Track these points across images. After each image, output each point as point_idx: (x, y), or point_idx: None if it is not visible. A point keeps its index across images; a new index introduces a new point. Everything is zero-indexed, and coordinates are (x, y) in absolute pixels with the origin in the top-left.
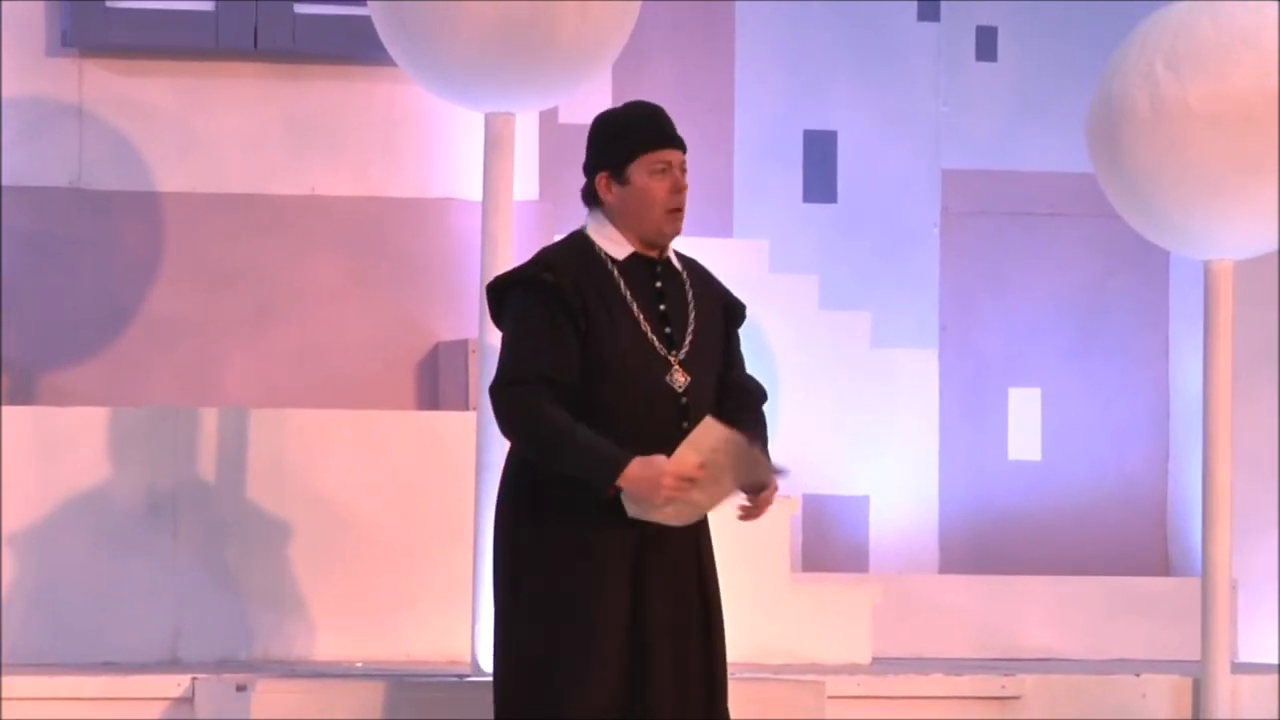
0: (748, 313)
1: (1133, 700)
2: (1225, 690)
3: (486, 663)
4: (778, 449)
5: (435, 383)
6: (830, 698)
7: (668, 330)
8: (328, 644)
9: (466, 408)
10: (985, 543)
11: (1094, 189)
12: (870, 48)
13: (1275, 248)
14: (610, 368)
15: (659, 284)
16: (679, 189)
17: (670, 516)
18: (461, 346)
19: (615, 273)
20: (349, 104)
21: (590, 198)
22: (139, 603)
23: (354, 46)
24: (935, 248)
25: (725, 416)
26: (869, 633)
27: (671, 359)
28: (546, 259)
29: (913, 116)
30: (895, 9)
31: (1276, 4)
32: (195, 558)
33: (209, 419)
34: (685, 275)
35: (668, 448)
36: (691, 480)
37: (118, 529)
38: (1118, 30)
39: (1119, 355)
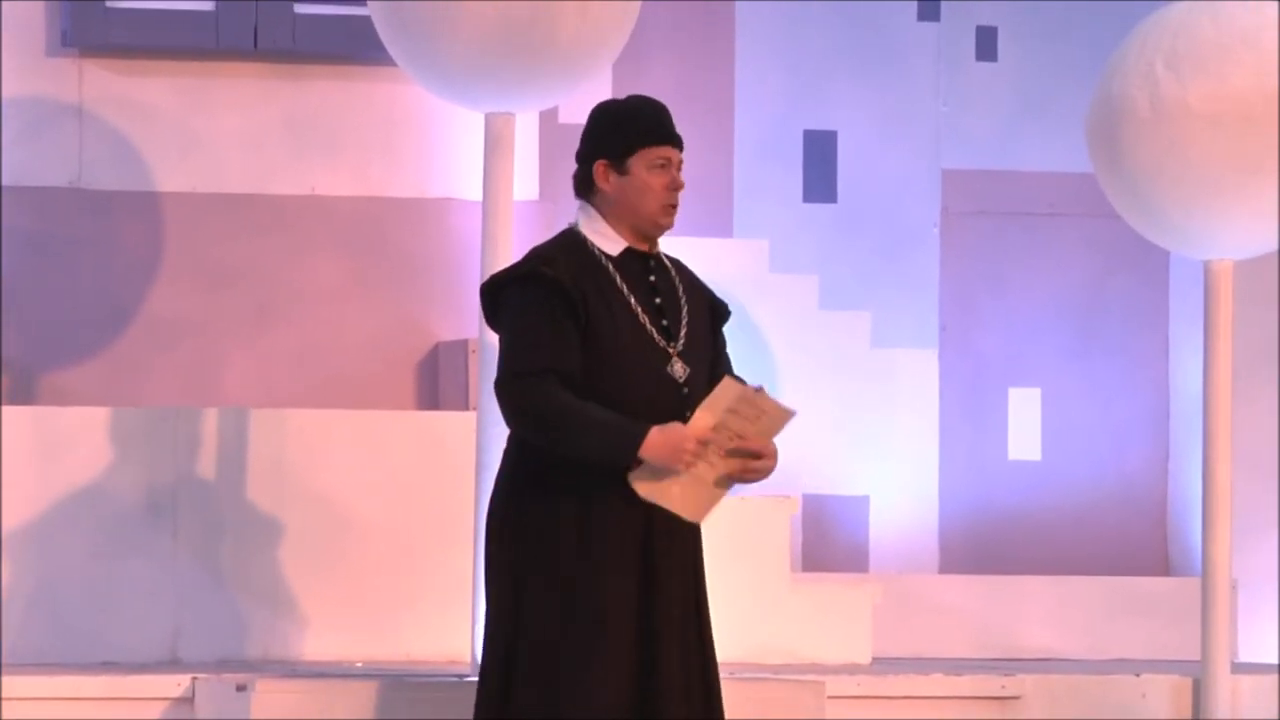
0: (748, 314)
1: (1133, 700)
2: (1225, 690)
3: None
4: (778, 448)
5: (435, 383)
6: (830, 698)
7: (664, 323)
8: (328, 644)
9: (466, 408)
10: (985, 543)
11: (1094, 189)
12: (870, 48)
13: (1275, 248)
14: (611, 360)
15: (652, 278)
16: (676, 187)
17: (679, 501)
18: (461, 346)
19: (610, 268)
20: (349, 104)
21: (584, 185)
22: (139, 603)
23: (354, 46)
24: (935, 248)
25: None
26: (869, 633)
27: (670, 350)
28: (541, 255)
29: (913, 116)
30: (895, 9)
31: (1276, 4)
32: (195, 558)
33: (209, 419)
34: (673, 271)
35: None
36: (705, 444)
37: (118, 529)
38: (1118, 30)
39: (1119, 355)
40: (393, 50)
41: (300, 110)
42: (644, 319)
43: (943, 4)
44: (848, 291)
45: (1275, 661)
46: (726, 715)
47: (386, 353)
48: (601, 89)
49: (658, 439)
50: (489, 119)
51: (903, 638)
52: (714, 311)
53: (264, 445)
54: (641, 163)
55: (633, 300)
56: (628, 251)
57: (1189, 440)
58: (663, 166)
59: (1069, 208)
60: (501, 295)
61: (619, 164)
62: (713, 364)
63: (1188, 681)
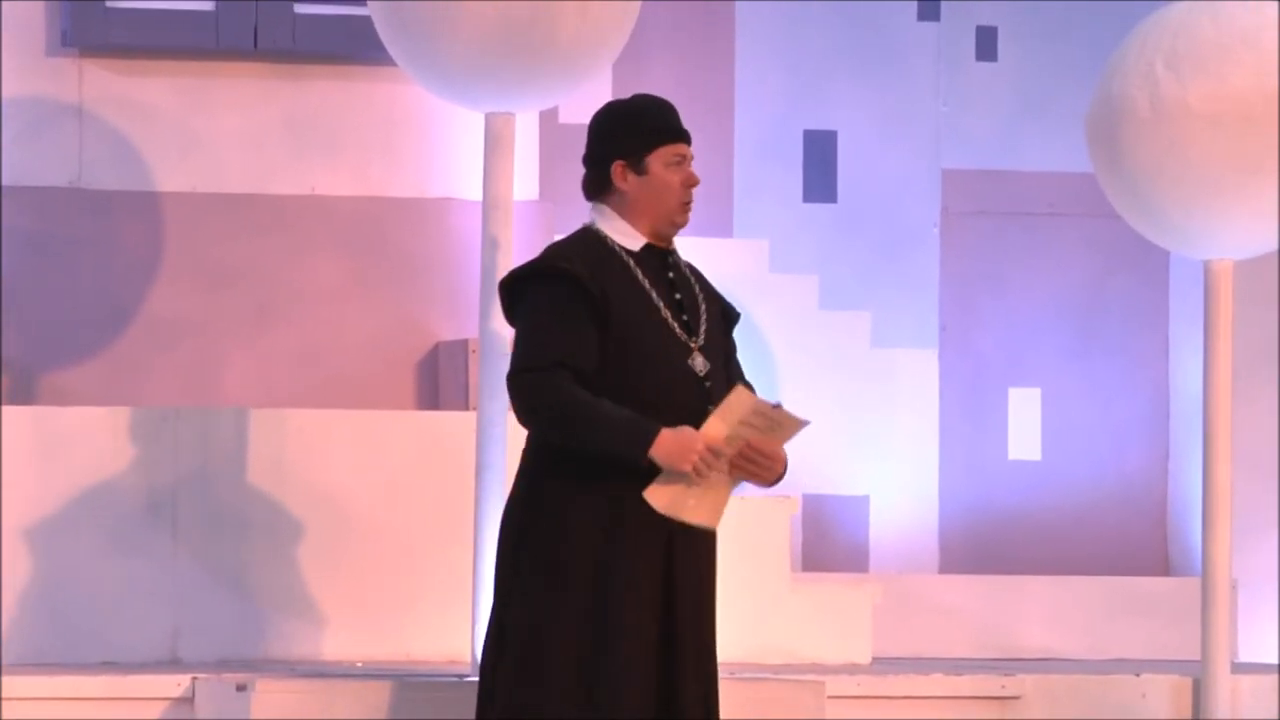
0: (748, 314)
1: (1133, 700)
2: (1225, 690)
3: None
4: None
5: (435, 383)
6: (830, 698)
7: (684, 318)
8: (328, 644)
9: (466, 408)
10: (985, 543)
11: (1094, 189)
12: (870, 48)
13: (1275, 248)
14: (635, 353)
15: (671, 275)
16: (693, 182)
17: (696, 511)
18: (461, 346)
19: (631, 263)
20: (349, 104)
21: (598, 187)
22: (139, 602)
23: (354, 46)
24: (935, 248)
25: None
26: (869, 633)
27: (692, 345)
28: (560, 251)
29: (913, 116)
30: (895, 9)
31: (1276, 4)
32: (195, 558)
33: (209, 419)
34: (688, 271)
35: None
36: (716, 454)
37: (118, 529)
38: (1118, 30)
39: (1119, 355)
40: (393, 50)
41: (300, 110)
42: (666, 313)
43: (943, 4)
44: (848, 291)
45: (1275, 661)
46: (728, 715)
47: (386, 353)
48: (601, 89)
49: (669, 439)
50: (489, 119)
51: (903, 638)
52: (725, 315)
53: (264, 445)
54: (659, 161)
55: (654, 295)
56: (647, 248)
57: (1189, 440)
58: (678, 163)
59: (1069, 208)
60: (519, 290)
61: (637, 163)
62: (727, 365)
63: (1188, 681)
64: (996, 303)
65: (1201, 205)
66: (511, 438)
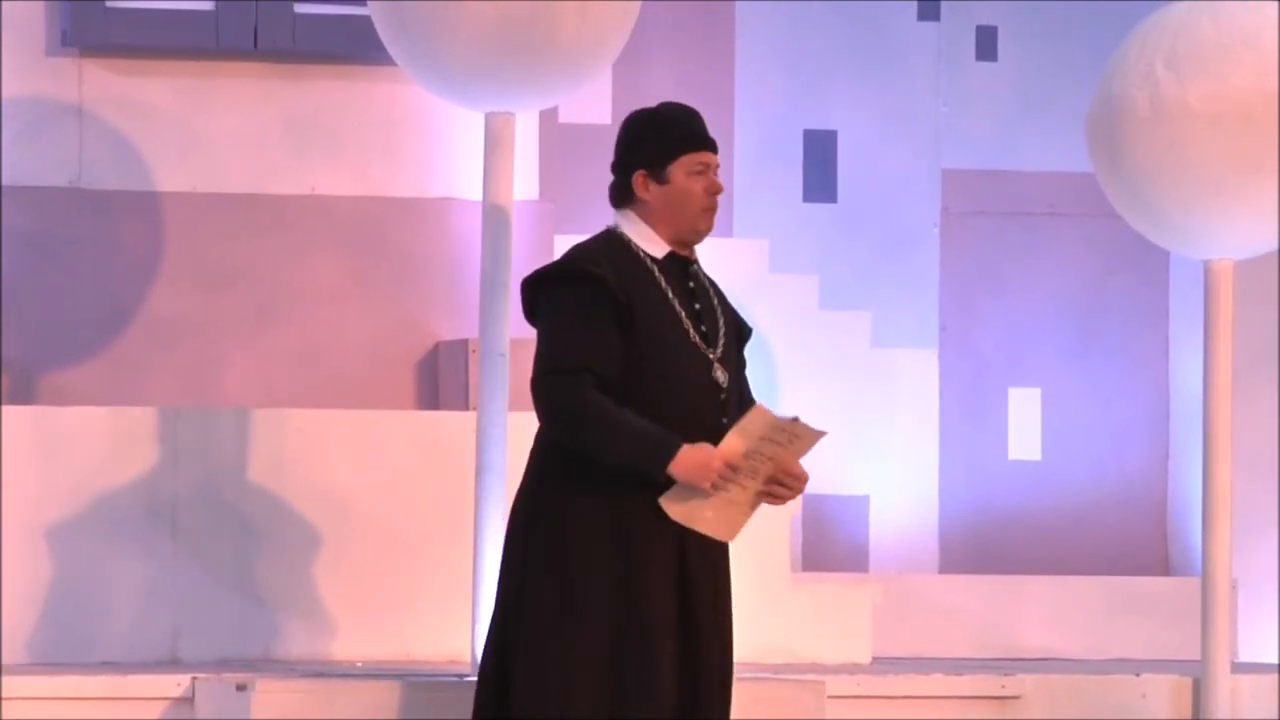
0: (748, 313)
1: (1133, 700)
2: (1225, 690)
3: None
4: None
5: (435, 383)
6: (830, 698)
7: (703, 329)
8: (328, 644)
9: (466, 408)
10: (985, 543)
11: (1094, 189)
12: (870, 48)
13: (1275, 248)
14: (656, 360)
15: (691, 284)
16: (716, 190)
17: (712, 524)
18: (461, 346)
19: (655, 270)
20: (349, 104)
21: (623, 196)
22: (139, 603)
23: (354, 46)
24: (935, 248)
25: None
26: (869, 633)
27: (711, 355)
28: (586, 254)
29: (913, 116)
30: (895, 9)
31: (1276, 4)
32: (195, 558)
33: (209, 419)
34: (708, 282)
35: (711, 441)
36: (735, 469)
37: (118, 529)
38: (1118, 30)
39: (1119, 355)
40: (393, 50)
41: (300, 110)
42: (687, 323)
43: (943, 4)
44: (848, 291)
45: (1275, 661)
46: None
47: (386, 353)
48: (601, 89)
49: (689, 455)
50: (489, 119)
51: (903, 638)
52: (738, 330)
53: (264, 445)
54: (680, 170)
55: (676, 303)
56: (670, 256)
57: (1189, 440)
58: (701, 172)
59: (1069, 208)
60: (542, 291)
61: (658, 173)
62: (738, 378)
63: (1188, 681)
64: (996, 303)
65: (1201, 205)
66: (512, 438)
